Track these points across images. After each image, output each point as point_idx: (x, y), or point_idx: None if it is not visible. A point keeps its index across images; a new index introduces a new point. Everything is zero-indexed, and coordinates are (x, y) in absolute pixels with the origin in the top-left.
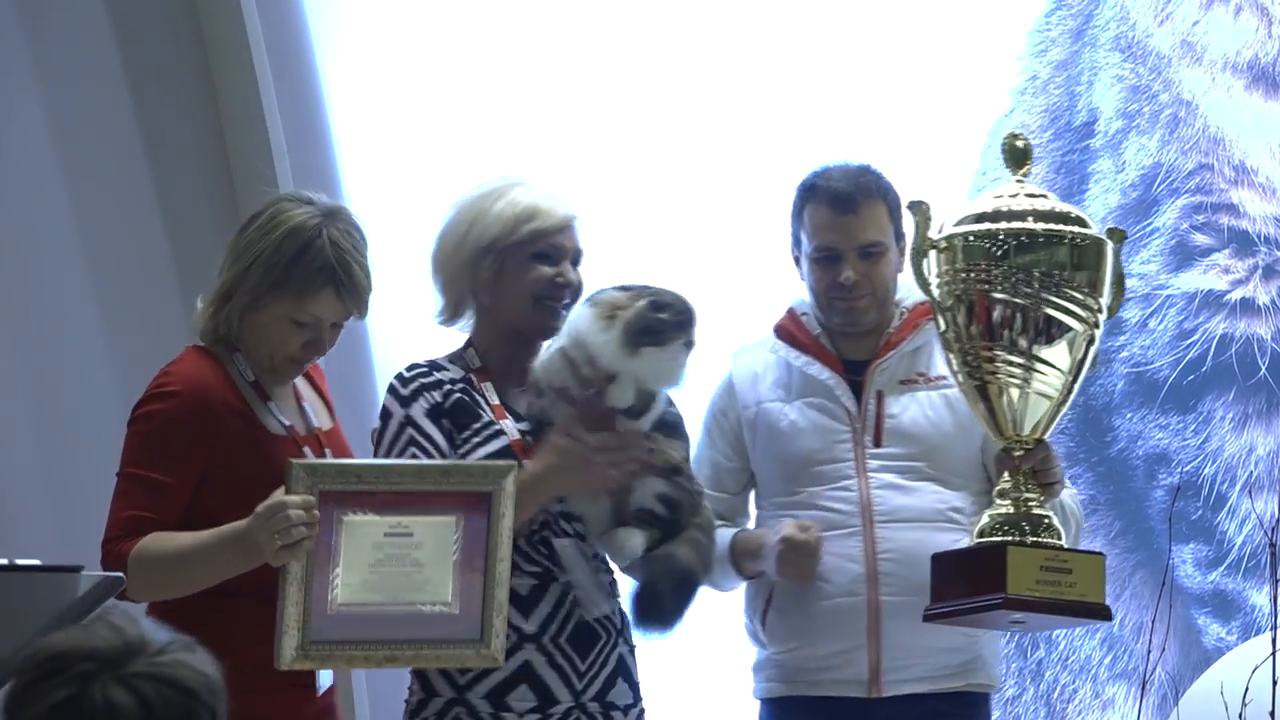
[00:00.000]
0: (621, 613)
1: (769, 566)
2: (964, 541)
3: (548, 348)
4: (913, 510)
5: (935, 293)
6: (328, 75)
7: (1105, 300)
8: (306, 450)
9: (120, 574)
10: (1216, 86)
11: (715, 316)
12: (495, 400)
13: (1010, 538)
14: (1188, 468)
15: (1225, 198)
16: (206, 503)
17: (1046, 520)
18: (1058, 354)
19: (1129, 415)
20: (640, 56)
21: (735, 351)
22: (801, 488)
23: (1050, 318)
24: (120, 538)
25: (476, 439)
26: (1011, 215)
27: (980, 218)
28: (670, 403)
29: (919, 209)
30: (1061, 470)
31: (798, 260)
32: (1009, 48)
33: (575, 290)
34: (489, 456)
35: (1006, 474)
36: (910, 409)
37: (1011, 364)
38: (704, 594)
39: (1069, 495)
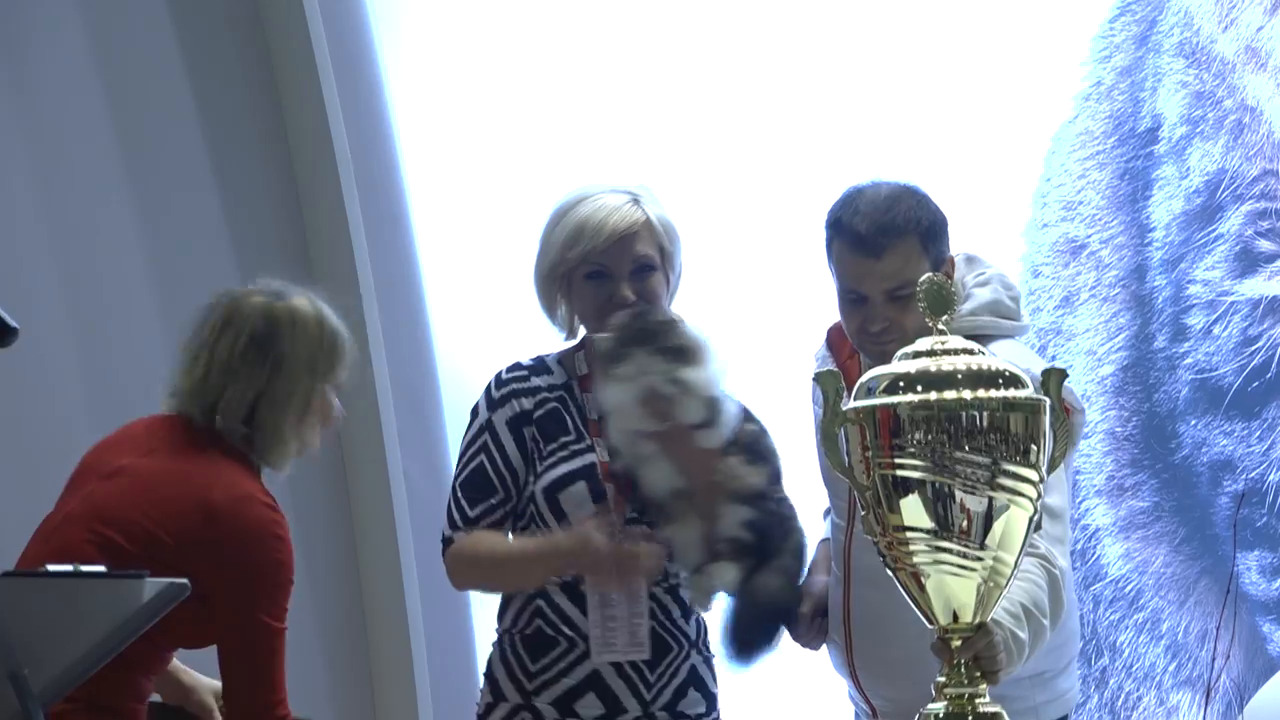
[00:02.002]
0: (699, 621)
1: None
2: None
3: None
4: (881, 570)
5: (855, 473)
6: (392, 88)
7: (1044, 468)
8: None
9: (185, 580)
10: None
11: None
12: (593, 415)
13: None
14: (1252, 474)
15: None
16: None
17: (996, 715)
18: (1000, 536)
19: (1193, 422)
20: (707, 60)
21: (817, 353)
22: (835, 519)
23: (989, 498)
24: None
25: (562, 452)
26: (932, 380)
27: (896, 384)
28: (749, 418)
29: (828, 379)
30: (1004, 657)
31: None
32: (1073, 53)
33: (637, 305)
34: (568, 475)
35: (945, 666)
36: None
37: (948, 553)
38: None
39: (1028, 588)
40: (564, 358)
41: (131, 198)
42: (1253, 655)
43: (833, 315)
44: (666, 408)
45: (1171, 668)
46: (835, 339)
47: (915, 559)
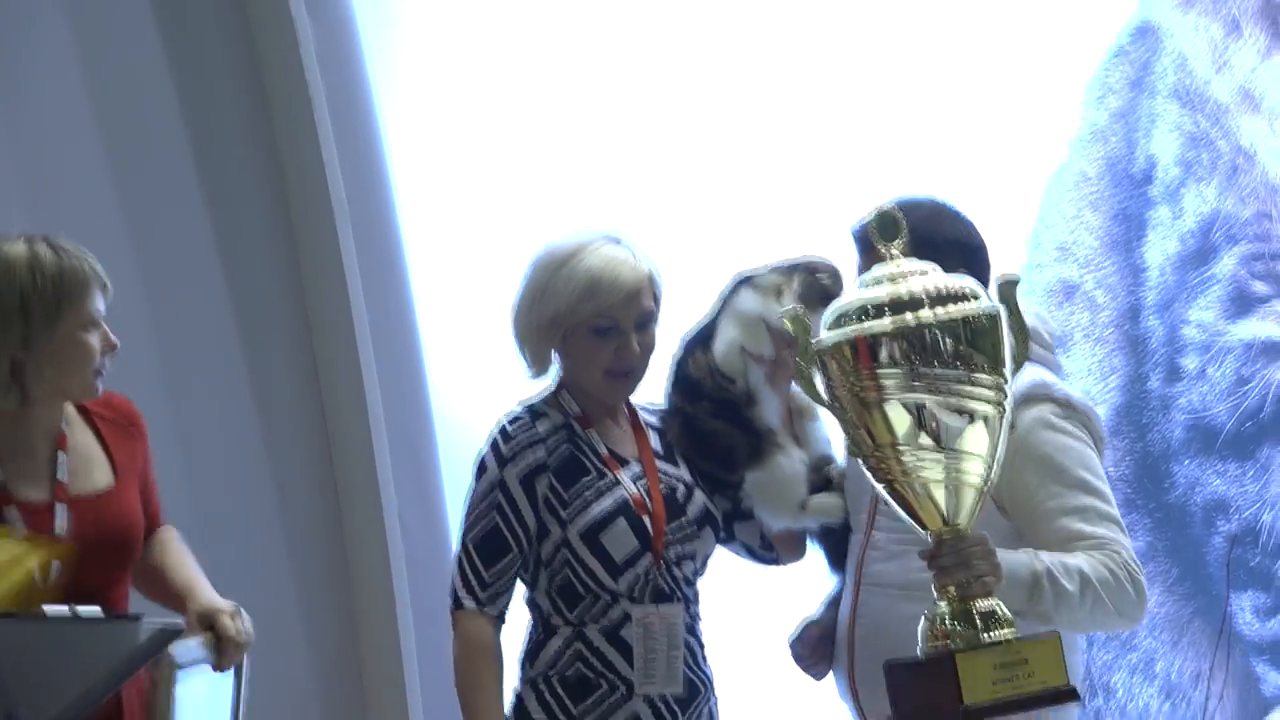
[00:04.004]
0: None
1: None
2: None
3: (719, 345)
4: (890, 576)
5: (827, 399)
6: (389, 134)
7: (1008, 370)
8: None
9: (180, 623)
10: (1275, 135)
11: None
12: (604, 450)
13: (958, 645)
14: (1246, 515)
15: None
16: None
17: (993, 610)
18: (974, 441)
19: (1187, 462)
20: (706, 99)
21: None
22: (852, 532)
23: (959, 407)
24: None
25: (589, 493)
26: (898, 304)
27: (864, 312)
28: None
29: (795, 319)
30: (992, 563)
31: None
32: (1068, 96)
33: (643, 358)
34: (605, 515)
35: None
36: None
37: (925, 461)
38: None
39: (1087, 562)
40: (549, 401)
41: (133, 270)
42: (1246, 696)
43: None
44: (794, 339)
45: (1165, 709)
46: None
47: (900, 467)
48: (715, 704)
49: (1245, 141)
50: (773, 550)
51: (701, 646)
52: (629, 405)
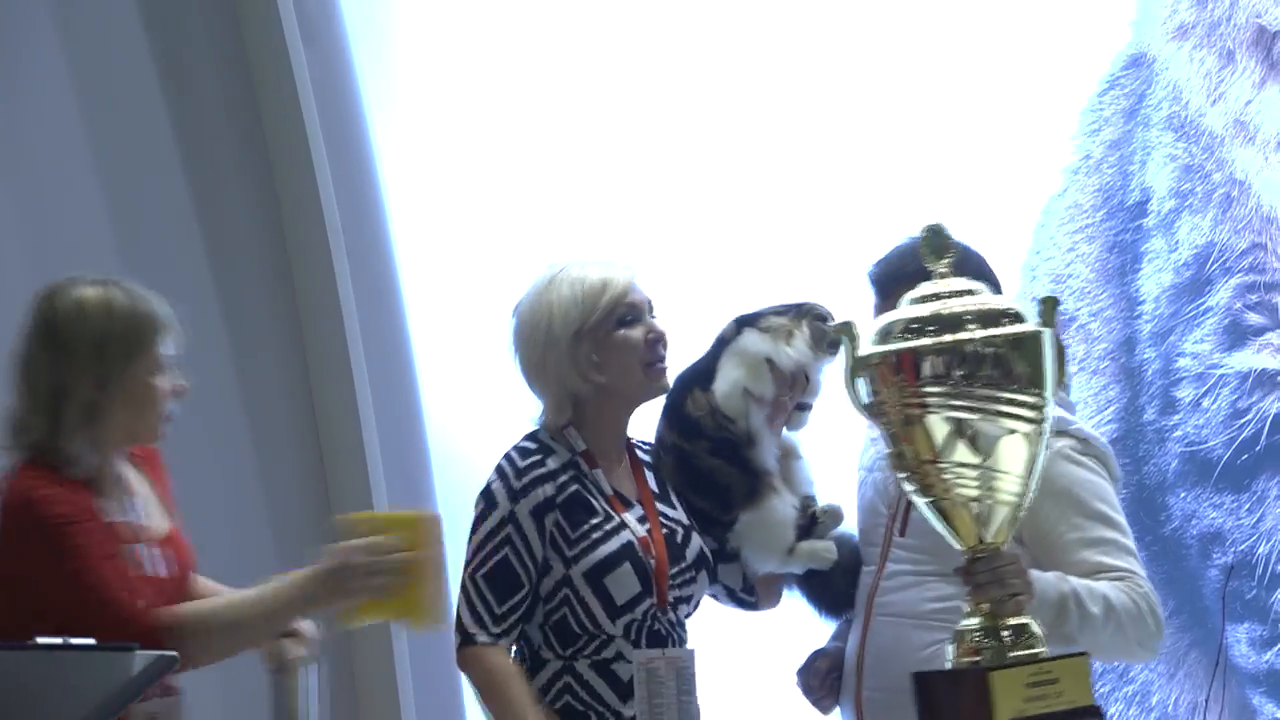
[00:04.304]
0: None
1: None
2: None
3: (721, 385)
4: (902, 606)
5: (870, 413)
6: (383, 162)
7: (1049, 390)
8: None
9: (175, 653)
10: (1270, 166)
11: None
12: (609, 490)
13: (991, 660)
14: (1241, 547)
15: (1278, 277)
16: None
17: (1025, 627)
18: (1013, 459)
19: (1183, 494)
20: (701, 121)
21: None
22: (865, 564)
23: (999, 426)
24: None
25: (595, 534)
26: (944, 321)
27: (910, 328)
28: None
29: (846, 329)
30: (1026, 580)
31: None
32: (1062, 127)
33: (666, 340)
34: (611, 558)
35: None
36: None
37: (965, 477)
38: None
39: (1112, 589)
40: (555, 435)
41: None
42: None
43: None
44: (796, 381)
45: None
46: None
47: (941, 483)
48: None
49: (1240, 172)
50: (753, 594)
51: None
52: (629, 442)
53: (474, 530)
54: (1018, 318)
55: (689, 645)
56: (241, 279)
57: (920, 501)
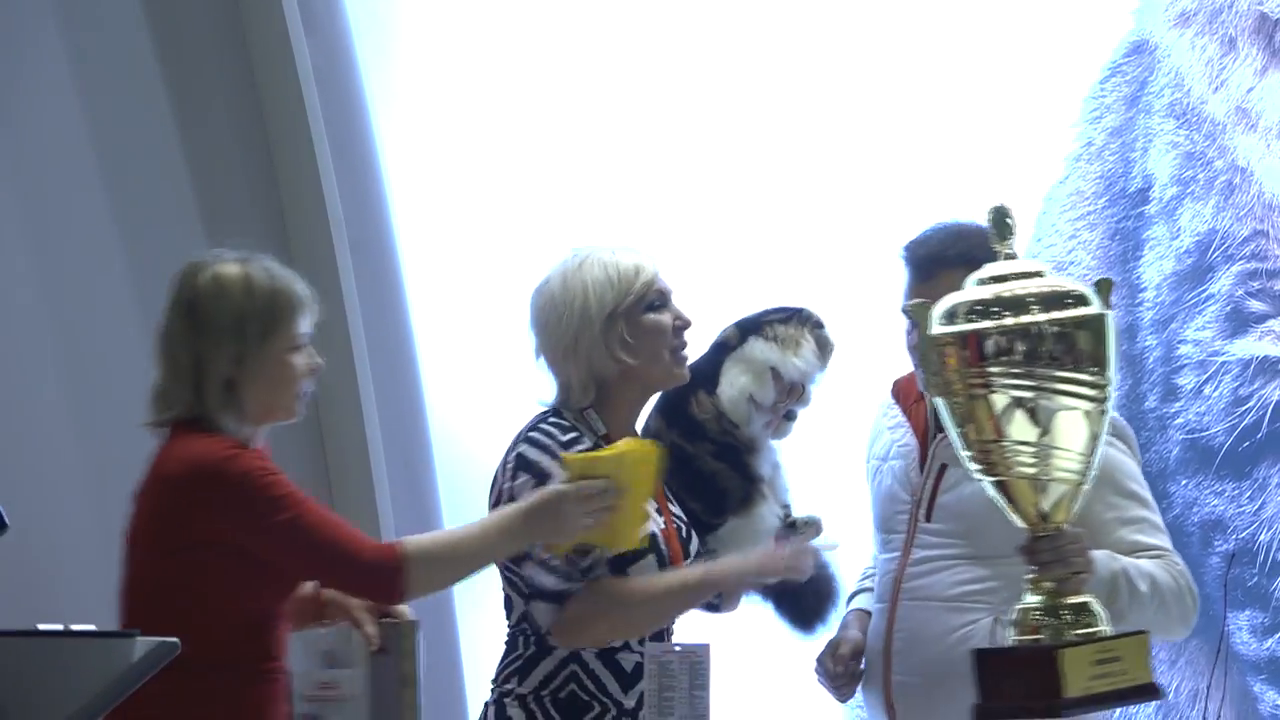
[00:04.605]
0: None
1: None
2: (983, 622)
3: (728, 391)
4: (932, 590)
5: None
6: (385, 150)
7: (1111, 370)
8: None
9: (175, 640)
10: (1271, 153)
11: None
12: None
13: (1052, 639)
14: (1243, 534)
15: None
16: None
17: (1086, 605)
18: (1075, 439)
19: (1184, 482)
20: (701, 121)
21: (882, 403)
22: (880, 553)
23: (1062, 405)
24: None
25: None
26: (1007, 303)
27: (975, 308)
28: None
29: (921, 310)
30: (1087, 559)
31: None
32: (1064, 114)
33: (690, 328)
34: (642, 546)
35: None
36: (963, 485)
37: (1023, 454)
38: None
39: (1155, 567)
40: (579, 419)
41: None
42: (1244, 715)
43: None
44: (794, 390)
45: None
46: (901, 389)
47: (1004, 462)
48: None
49: (1241, 160)
50: (718, 596)
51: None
52: (636, 433)
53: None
54: (1082, 299)
55: (704, 640)
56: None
57: (985, 481)
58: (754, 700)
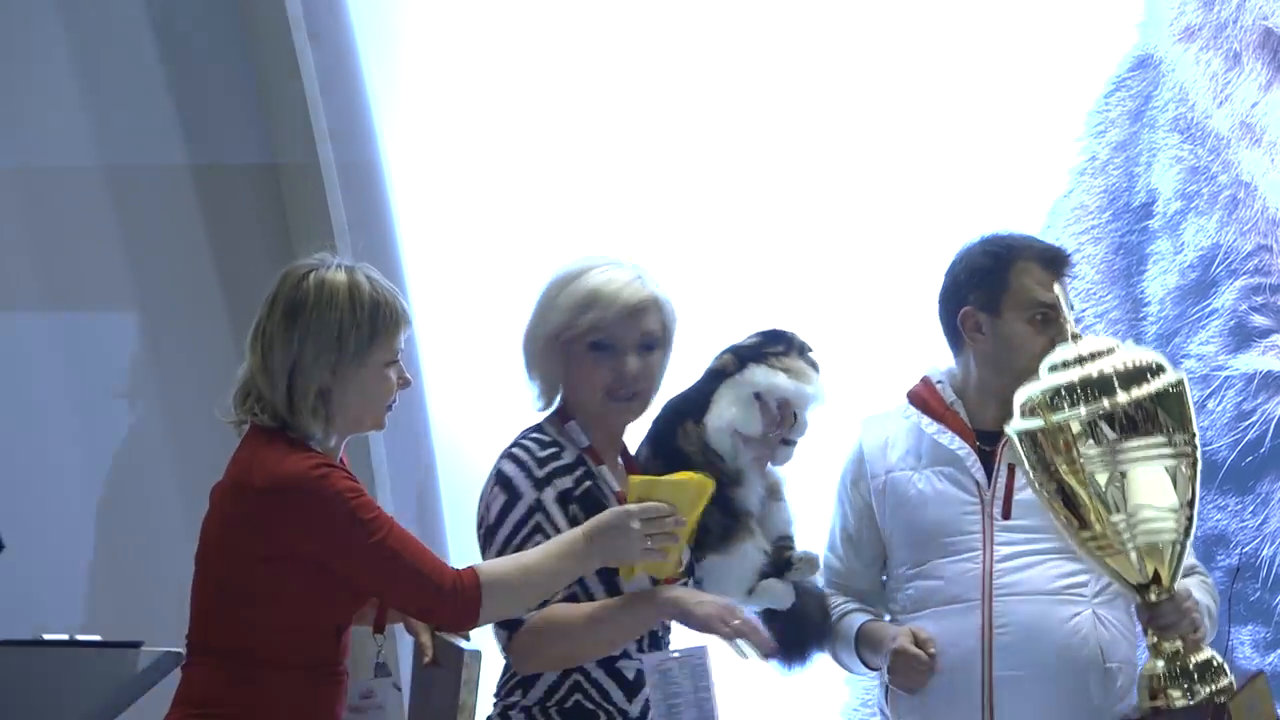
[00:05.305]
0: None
1: (883, 668)
2: (1085, 615)
3: (714, 421)
4: (1034, 584)
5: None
6: (388, 148)
7: (1195, 424)
8: None
9: (180, 650)
10: (1276, 168)
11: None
12: (618, 487)
13: (1188, 699)
14: (1246, 549)
15: None
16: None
17: (1211, 661)
18: (1175, 500)
19: None
20: (703, 119)
21: (865, 420)
22: (927, 558)
23: (1158, 473)
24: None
25: None
26: (1091, 386)
27: (1057, 396)
28: None
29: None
30: (1198, 619)
31: (975, 324)
32: (1068, 129)
33: (644, 382)
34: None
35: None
36: None
37: (1134, 529)
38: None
39: (1201, 589)
40: (560, 430)
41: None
42: None
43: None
44: (784, 417)
45: None
46: (921, 397)
47: (1117, 539)
48: None
49: (1245, 174)
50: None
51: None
52: (624, 448)
53: (497, 524)
54: (1159, 369)
55: (701, 643)
56: (247, 275)
57: (1093, 561)
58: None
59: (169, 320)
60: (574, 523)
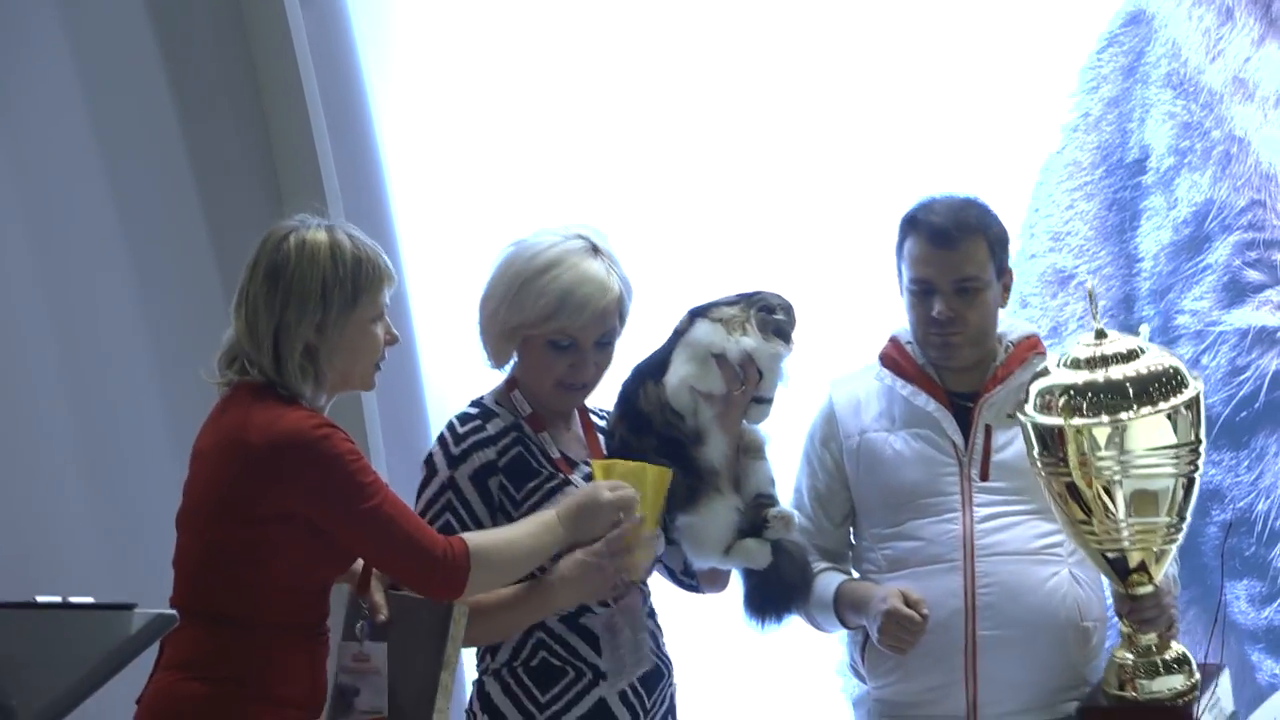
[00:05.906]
0: (667, 658)
1: (870, 629)
2: (1063, 574)
3: (670, 380)
4: (1015, 544)
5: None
6: (381, 120)
7: (1204, 435)
8: None
9: (174, 612)
10: (1269, 123)
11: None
12: (556, 453)
13: (1163, 691)
14: (1240, 504)
15: (1277, 234)
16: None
17: (1184, 656)
18: (1175, 507)
19: None
20: (699, 88)
21: (834, 380)
22: (904, 519)
23: (1163, 482)
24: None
25: (539, 495)
26: (1099, 389)
27: (1074, 396)
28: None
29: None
30: (1174, 615)
31: (901, 292)
32: (1061, 84)
33: (597, 374)
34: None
35: (1127, 622)
36: (1016, 443)
37: (1132, 530)
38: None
39: (1168, 581)
40: (501, 399)
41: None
42: (1241, 684)
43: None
44: (746, 376)
45: None
46: (892, 358)
47: (1115, 538)
48: (674, 690)
49: (1239, 130)
50: (694, 578)
51: (660, 632)
52: (582, 407)
53: (417, 501)
54: (1179, 380)
55: (649, 596)
56: (239, 249)
57: (1086, 547)
58: (753, 699)
59: (164, 290)
60: (497, 499)
